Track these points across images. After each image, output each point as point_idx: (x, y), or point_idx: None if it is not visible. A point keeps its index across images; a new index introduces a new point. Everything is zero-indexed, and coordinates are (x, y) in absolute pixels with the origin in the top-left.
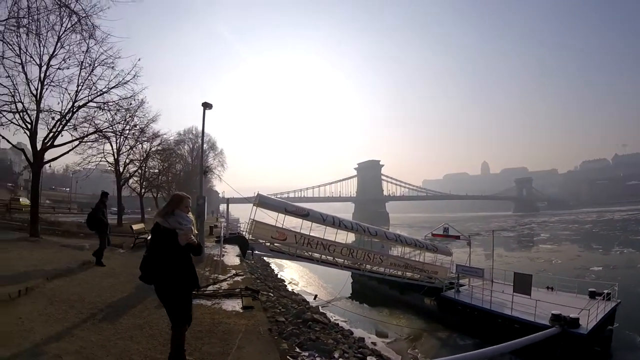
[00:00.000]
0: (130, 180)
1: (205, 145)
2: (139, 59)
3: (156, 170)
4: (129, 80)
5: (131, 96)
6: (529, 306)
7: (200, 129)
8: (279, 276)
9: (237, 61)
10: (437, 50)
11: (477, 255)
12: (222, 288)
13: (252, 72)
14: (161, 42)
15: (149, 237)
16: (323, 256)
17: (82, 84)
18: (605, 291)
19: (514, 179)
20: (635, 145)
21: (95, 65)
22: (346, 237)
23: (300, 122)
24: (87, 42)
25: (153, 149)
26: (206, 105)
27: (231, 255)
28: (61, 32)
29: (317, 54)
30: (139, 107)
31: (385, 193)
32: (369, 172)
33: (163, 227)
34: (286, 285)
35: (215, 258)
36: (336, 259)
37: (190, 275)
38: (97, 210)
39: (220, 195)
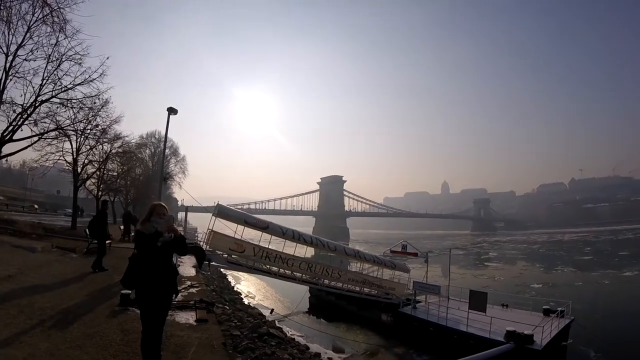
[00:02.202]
0: (88, 182)
1: (167, 151)
2: (107, 57)
3: (115, 174)
4: (95, 79)
5: (96, 95)
6: (484, 323)
7: (163, 133)
8: (235, 289)
9: (206, 67)
10: (399, 71)
11: (433, 272)
12: (176, 299)
13: (218, 79)
14: (132, 43)
15: (135, 246)
16: (281, 270)
17: (47, 78)
18: (559, 308)
19: (473, 199)
20: (592, 171)
21: (63, 59)
22: (305, 251)
23: (264, 133)
24: (57, 35)
25: (113, 151)
26: (171, 111)
27: (187, 266)
28: (32, 22)
29: (286, 65)
30: (102, 106)
31: (346, 208)
32: (332, 187)
33: (145, 233)
34: (242, 299)
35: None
36: (294, 273)
37: (173, 281)
38: (100, 218)
39: (180, 203)
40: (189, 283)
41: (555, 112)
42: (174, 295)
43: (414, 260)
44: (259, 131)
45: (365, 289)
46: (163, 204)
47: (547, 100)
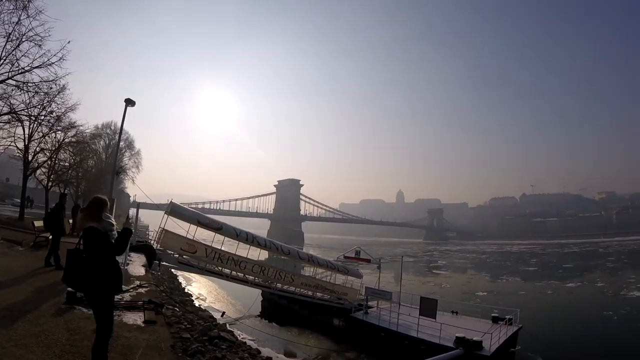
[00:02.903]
0: (38, 172)
1: (122, 143)
2: (69, 42)
3: (67, 164)
4: (54, 63)
5: (53, 79)
6: (434, 329)
7: (119, 124)
8: (186, 290)
9: (172, 61)
10: (361, 81)
11: (385, 279)
12: (124, 299)
13: (182, 74)
14: (96, 30)
15: (87, 244)
16: (233, 272)
17: (5, 58)
18: (508, 316)
19: (427, 209)
20: (543, 187)
21: (23, 40)
22: (259, 254)
23: (223, 132)
24: (20, 13)
25: (67, 140)
26: (129, 102)
27: (137, 265)
28: None
29: (251, 65)
30: (59, 92)
31: (302, 212)
32: (289, 190)
33: (101, 231)
34: (193, 301)
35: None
36: (247, 276)
37: (118, 278)
38: (58, 211)
39: (132, 199)
40: (137, 283)
41: (510, 128)
42: (119, 293)
43: (367, 266)
44: (218, 130)
45: (317, 293)
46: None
47: (503, 116)
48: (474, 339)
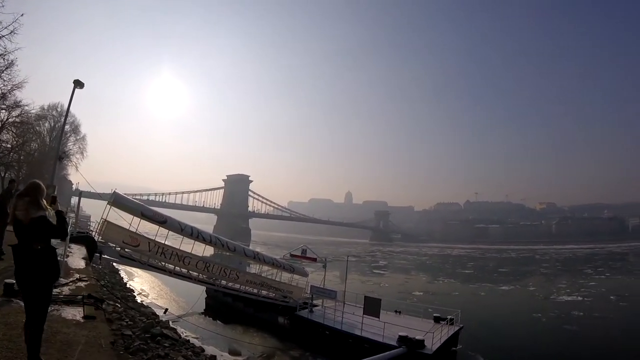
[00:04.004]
0: None
1: (67, 127)
2: (22, 15)
3: (9, 146)
4: (4, 35)
5: (2, 54)
6: (378, 327)
7: (66, 107)
8: (128, 285)
9: (128, 43)
10: (313, 81)
11: (330, 278)
12: (63, 293)
13: (137, 59)
14: (51, 4)
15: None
16: (177, 268)
17: None
18: (449, 316)
19: (374, 211)
20: (487, 195)
21: None
22: (203, 250)
23: (173, 122)
24: None
25: (10, 119)
26: (77, 84)
27: (76, 257)
28: None
29: (207, 55)
30: (7, 67)
31: (250, 209)
32: (237, 185)
33: (48, 220)
34: (135, 296)
35: (57, 259)
36: (191, 272)
37: (57, 265)
38: (4, 198)
39: (74, 187)
40: (77, 276)
41: (458, 137)
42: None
43: (313, 265)
44: (170, 120)
45: (263, 291)
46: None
47: (452, 125)
48: (417, 337)
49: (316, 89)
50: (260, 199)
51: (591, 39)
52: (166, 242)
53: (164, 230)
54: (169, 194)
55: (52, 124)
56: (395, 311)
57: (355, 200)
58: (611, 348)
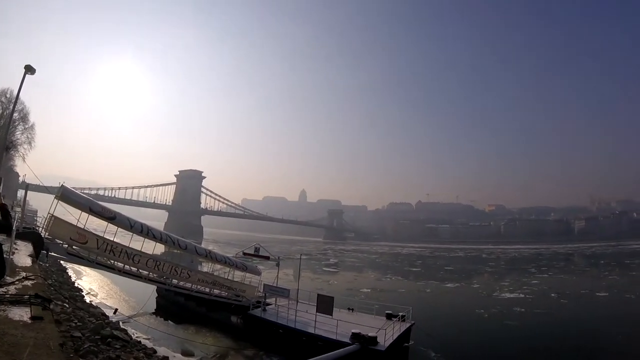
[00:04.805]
0: None
1: (15, 115)
2: None
3: None
4: None
5: None
6: (331, 325)
7: (15, 93)
8: (76, 284)
9: (81, 23)
10: (266, 81)
11: (282, 276)
12: (9, 293)
13: (92, 41)
14: None
15: None
16: (126, 266)
17: None
18: (401, 313)
19: (328, 210)
20: (437, 196)
21: None
22: (154, 248)
23: (125, 111)
24: None
25: None
26: (28, 69)
27: (22, 254)
28: None
29: (164, 44)
30: None
31: (203, 206)
32: (190, 181)
33: None
34: (84, 296)
35: (3, 256)
36: (141, 271)
37: (1, 263)
38: None
39: (21, 179)
40: (23, 274)
41: (411, 139)
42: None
43: (266, 263)
44: (122, 112)
45: (215, 290)
46: None
47: (405, 125)
48: (369, 334)
49: (272, 87)
50: (213, 196)
51: (532, 49)
52: (115, 239)
53: (112, 227)
54: (119, 188)
55: (0, 111)
56: (348, 309)
57: (309, 199)
58: (550, 341)
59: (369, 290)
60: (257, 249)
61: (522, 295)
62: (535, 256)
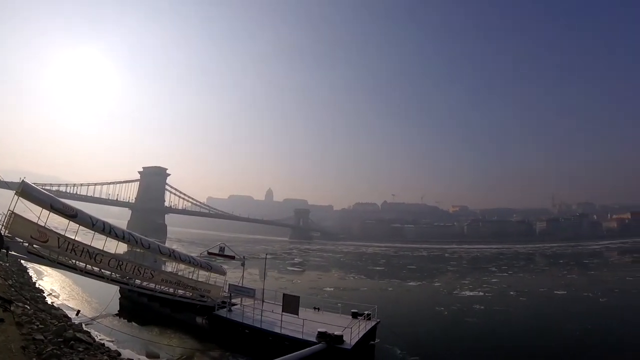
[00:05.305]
0: None
1: None
2: None
3: None
4: None
5: None
6: (297, 325)
7: None
8: (37, 285)
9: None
10: (232, 76)
11: (248, 276)
12: None
13: (55, 40)
14: None
15: None
16: (88, 266)
17: None
18: (366, 312)
19: (294, 209)
20: (402, 196)
21: None
22: (116, 247)
23: (90, 105)
24: None
25: None
26: None
27: None
28: None
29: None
30: None
31: (167, 204)
32: (154, 179)
33: None
34: (45, 297)
35: None
36: (103, 271)
37: None
38: None
39: None
40: None
41: (377, 139)
42: None
43: (231, 263)
44: (84, 102)
45: (179, 290)
46: None
47: (371, 127)
48: (335, 333)
49: (240, 86)
50: (177, 193)
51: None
52: (77, 238)
53: (74, 225)
54: (82, 185)
55: None
56: (314, 308)
57: (276, 198)
58: (509, 337)
59: (333, 289)
60: (222, 249)
61: (482, 294)
62: (496, 256)
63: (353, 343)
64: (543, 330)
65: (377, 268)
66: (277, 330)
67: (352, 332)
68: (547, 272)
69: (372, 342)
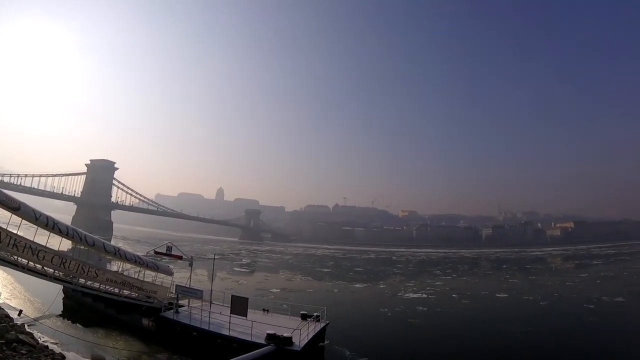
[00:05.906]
0: None
1: None
2: None
3: None
4: None
5: None
6: (245, 327)
7: None
8: None
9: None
10: (179, 71)
11: (195, 277)
12: None
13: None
14: None
15: None
16: (30, 263)
17: None
18: (315, 313)
19: (245, 209)
20: (353, 200)
21: None
22: (59, 243)
23: (35, 91)
24: None
25: None
26: None
27: None
28: None
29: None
30: None
31: (113, 200)
32: (101, 172)
33: None
34: None
35: None
36: (46, 269)
37: None
38: None
39: None
40: None
41: (329, 141)
42: None
43: (179, 263)
44: (29, 87)
45: (125, 291)
46: None
47: (323, 128)
48: (285, 335)
49: (190, 79)
50: (125, 189)
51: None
52: (19, 233)
53: (16, 219)
54: (25, 176)
55: None
56: (263, 310)
57: (226, 197)
58: (449, 337)
59: (279, 290)
60: (169, 248)
61: (425, 296)
62: (442, 259)
63: (302, 344)
64: (484, 331)
65: (325, 270)
66: (225, 332)
67: (301, 334)
68: (491, 276)
69: (322, 344)
